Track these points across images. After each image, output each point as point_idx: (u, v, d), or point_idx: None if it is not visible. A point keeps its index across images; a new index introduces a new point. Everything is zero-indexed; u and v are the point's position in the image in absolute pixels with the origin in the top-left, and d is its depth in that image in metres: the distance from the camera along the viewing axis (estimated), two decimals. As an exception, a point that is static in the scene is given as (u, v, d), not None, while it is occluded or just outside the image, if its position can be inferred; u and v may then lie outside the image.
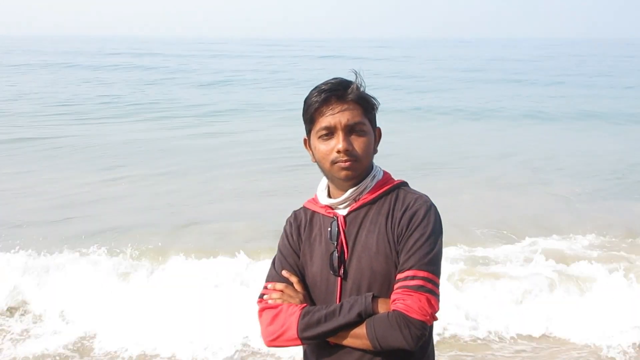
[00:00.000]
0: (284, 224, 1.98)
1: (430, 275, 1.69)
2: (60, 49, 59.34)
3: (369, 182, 1.83)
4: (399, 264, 1.73)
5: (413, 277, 1.68)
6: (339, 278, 1.80)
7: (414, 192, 1.84)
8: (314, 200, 1.93)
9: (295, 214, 1.97)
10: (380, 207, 1.81)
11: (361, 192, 1.82)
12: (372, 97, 1.83)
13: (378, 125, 1.88)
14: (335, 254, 1.79)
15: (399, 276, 1.71)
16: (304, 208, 1.96)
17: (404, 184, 1.88)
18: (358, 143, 1.77)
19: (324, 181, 1.91)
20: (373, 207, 1.81)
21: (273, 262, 1.94)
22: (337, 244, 1.80)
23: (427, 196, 1.83)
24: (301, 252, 1.88)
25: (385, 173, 1.89)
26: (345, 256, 1.80)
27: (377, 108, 1.84)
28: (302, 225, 1.91)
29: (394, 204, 1.80)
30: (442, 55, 60.02)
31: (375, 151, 1.85)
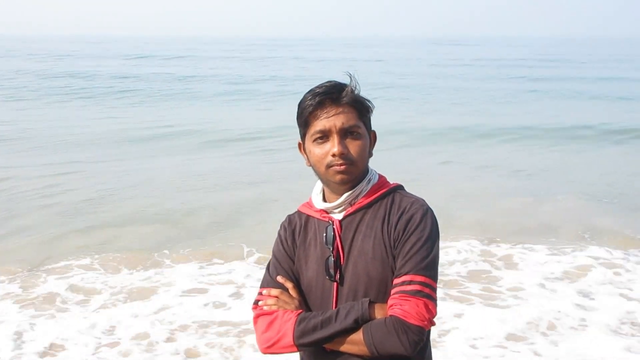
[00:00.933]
0: (279, 228, 1.95)
1: (427, 280, 1.67)
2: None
3: (364, 186, 1.81)
4: (395, 268, 1.71)
5: (410, 282, 1.66)
6: (335, 283, 1.78)
7: (410, 195, 1.83)
8: (309, 205, 1.90)
9: (290, 218, 1.94)
10: (376, 212, 1.79)
11: (357, 196, 1.80)
12: (367, 100, 1.82)
13: (373, 128, 1.86)
14: (331, 259, 1.77)
15: (396, 281, 1.69)
16: (299, 212, 1.93)
17: (399, 188, 1.86)
18: (353, 146, 1.75)
19: (319, 185, 1.89)
20: (369, 211, 1.80)
21: (267, 268, 1.91)
22: (332, 249, 1.78)
23: (423, 200, 1.81)
24: (296, 257, 1.86)
25: (380, 176, 1.87)
26: (341, 261, 1.78)
27: (372, 111, 1.83)
28: (296, 230, 1.88)
29: (390, 208, 1.78)
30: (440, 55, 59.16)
31: (370, 154, 1.84)
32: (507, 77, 31.68)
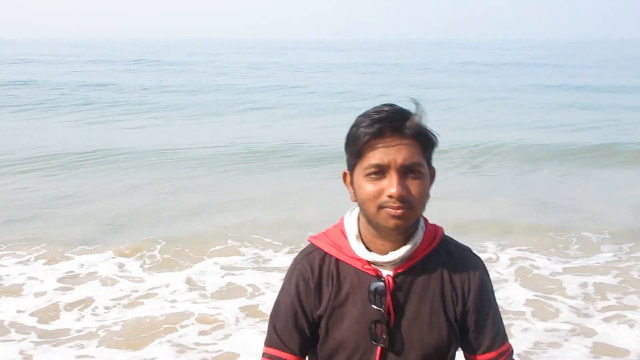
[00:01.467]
0: (291, 270, 1.65)
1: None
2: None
3: (419, 237, 1.57)
4: (469, 337, 1.63)
5: (507, 350, 1.66)
6: (380, 347, 1.54)
7: (459, 245, 1.67)
8: (337, 245, 1.60)
9: (310, 261, 1.61)
10: (431, 268, 1.58)
11: (412, 249, 1.56)
12: (433, 134, 1.53)
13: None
14: (382, 322, 1.53)
15: (496, 352, 1.63)
16: (320, 251, 1.62)
17: (445, 234, 1.66)
18: (414, 187, 1.47)
19: (353, 224, 1.59)
20: (422, 266, 1.58)
21: (273, 319, 1.65)
22: (384, 311, 1.53)
23: (471, 250, 1.69)
24: (328, 310, 1.58)
25: (424, 219, 1.62)
26: (391, 323, 1.54)
27: (436, 146, 1.55)
28: (324, 276, 1.59)
29: (448, 266, 1.60)
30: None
31: (428, 196, 1.55)
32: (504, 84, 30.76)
